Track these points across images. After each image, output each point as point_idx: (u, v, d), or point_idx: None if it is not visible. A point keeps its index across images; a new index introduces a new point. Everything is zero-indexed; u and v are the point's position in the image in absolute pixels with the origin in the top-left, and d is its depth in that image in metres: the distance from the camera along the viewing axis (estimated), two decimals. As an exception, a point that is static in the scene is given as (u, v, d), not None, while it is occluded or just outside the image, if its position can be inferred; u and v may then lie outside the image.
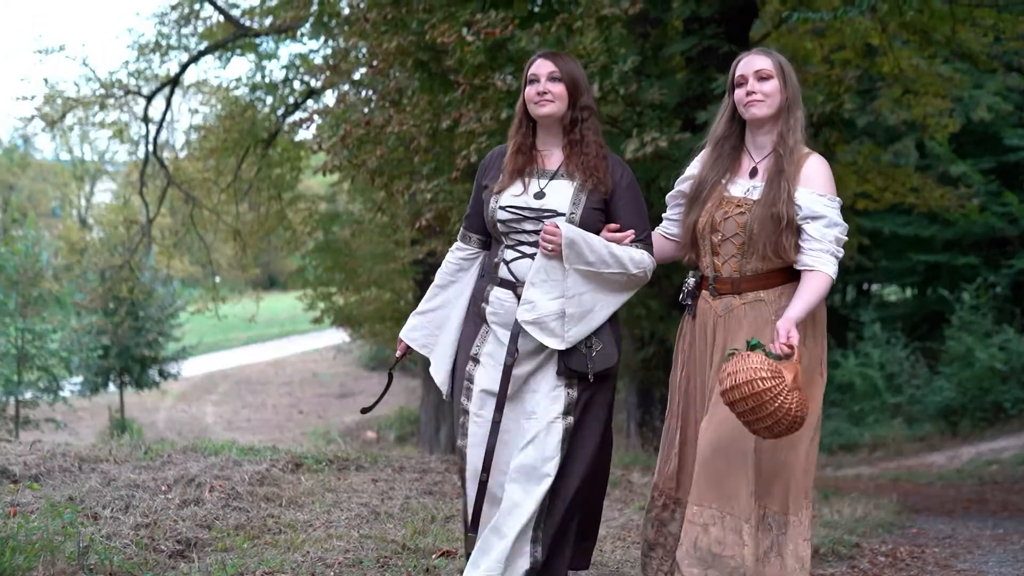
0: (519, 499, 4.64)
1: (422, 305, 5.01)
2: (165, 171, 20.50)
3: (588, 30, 10.26)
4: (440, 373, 4.96)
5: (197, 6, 18.88)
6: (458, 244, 5.00)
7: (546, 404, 4.73)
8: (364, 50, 13.23)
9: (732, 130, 4.89)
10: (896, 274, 24.47)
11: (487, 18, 10.10)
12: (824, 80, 12.46)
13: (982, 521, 9.02)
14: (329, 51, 17.00)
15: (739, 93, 4.82)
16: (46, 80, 20.94)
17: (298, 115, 18.10)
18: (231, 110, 19.43)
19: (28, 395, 24.68)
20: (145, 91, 19.86)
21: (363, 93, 14.44)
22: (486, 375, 4.79)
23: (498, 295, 4.80)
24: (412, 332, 5.00)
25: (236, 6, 18.97)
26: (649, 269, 4.78)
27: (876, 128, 19.53)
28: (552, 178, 4.77)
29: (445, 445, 19.67)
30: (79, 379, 28.69)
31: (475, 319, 4.87)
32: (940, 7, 10.81)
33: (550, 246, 4.61)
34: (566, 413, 4.71)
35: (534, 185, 4.77)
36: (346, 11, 14.42)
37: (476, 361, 4.82)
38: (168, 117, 21.53)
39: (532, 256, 4.71)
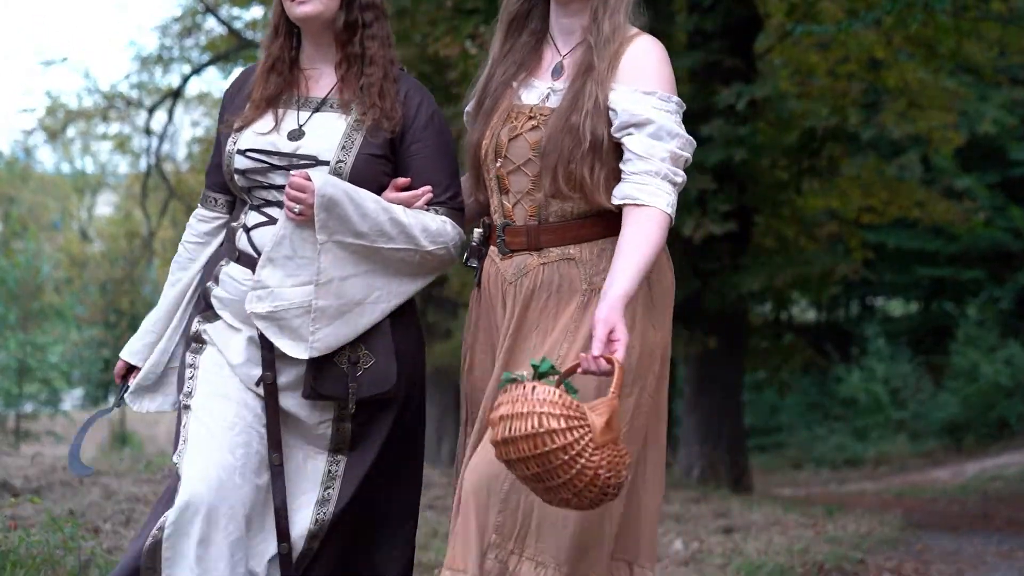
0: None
1: (154, 313, 3.50)
2: (167, 184, 20.49)
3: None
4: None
5: (199, 18, 18.90)
6: (199, 211, 3.49)
7: (304, 430, 3.30)
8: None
9: (533, 4, 3.33)
10: (900, 288, 24.44)
11: (490, 31, 10.10)
12: (828, 93, 12.46)
13: (987, 537, 8.98)
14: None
15: None
16: (48, 93, 21.02)
17: (300, 128, 18.11)
18: (233, 122, 19.46)
19: (29, 408, 24.65)
20: (147, 103, 19.87)
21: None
22: (212, 373, 3.31)
23: (231, 273, 3.31)
24: (138, 342, 3.46)
25: (239, 18, 18.96)
26: (453, 244, 3.29)
27: (881, 141, 19.50)
28: (317, 110, 3.30)
29: (447, 459, 19.66)
30: (80, 392, 28.66)
31: (200, 302, 3.41)
32: (945, 20, 10.79)
33: (297, 207, 3.14)
34: (335, 450, 3.30)
35: (290, 120, 3.30)
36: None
37: (201, 344, 3.35)
38: (170, 129, 21.48)
39: None
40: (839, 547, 7.33)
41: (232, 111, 3.38)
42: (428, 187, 3.28)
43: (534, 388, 2.74)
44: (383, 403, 3.27)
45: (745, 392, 14.58)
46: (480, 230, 3.29)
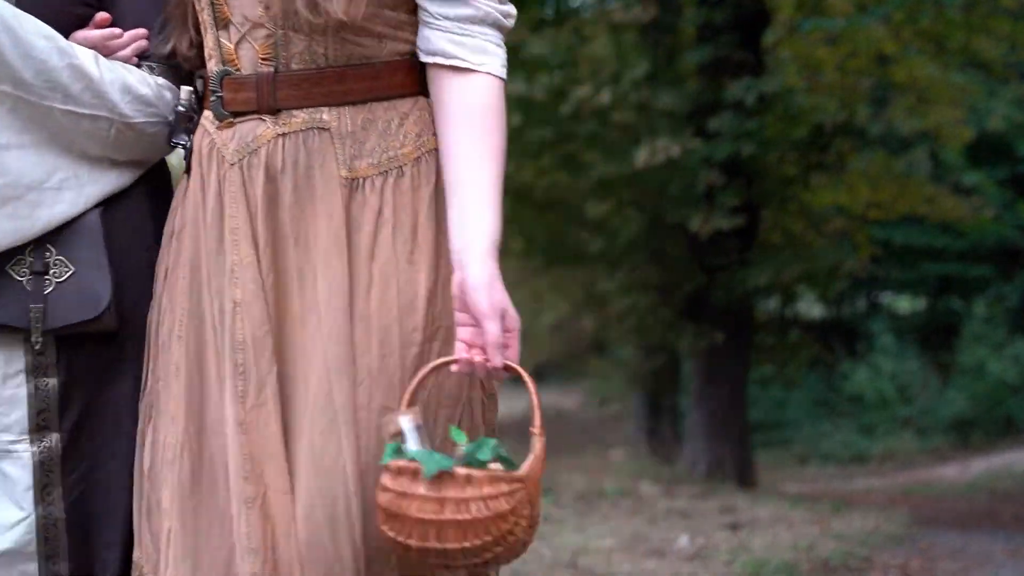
0: None
1: None
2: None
3: (600, 36, 10.22)
4: None
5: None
6: None
7: None
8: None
9: None
10: (908, 284, 24.39)
11: None
12: (837, 88, 12.42)
13: (993, 535, 8.95)
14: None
15: None
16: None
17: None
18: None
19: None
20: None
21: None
22: None
23: None
24: None
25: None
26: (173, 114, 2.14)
27: (889, 137, 19.47)
28: None
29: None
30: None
31: None
32: (955, 15, 10.76)
33: None
34: (38, 428, 2.07)
35: None
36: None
37: None
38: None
39: None
40: (845, 544, 7.31)
41: None
42: (142, 31, 2.15)
43: (470, 476, 1.85)
44: (96, 340, 2.10)
45: (751, 388, 14.54)
46: (191, 88, 2.13)
